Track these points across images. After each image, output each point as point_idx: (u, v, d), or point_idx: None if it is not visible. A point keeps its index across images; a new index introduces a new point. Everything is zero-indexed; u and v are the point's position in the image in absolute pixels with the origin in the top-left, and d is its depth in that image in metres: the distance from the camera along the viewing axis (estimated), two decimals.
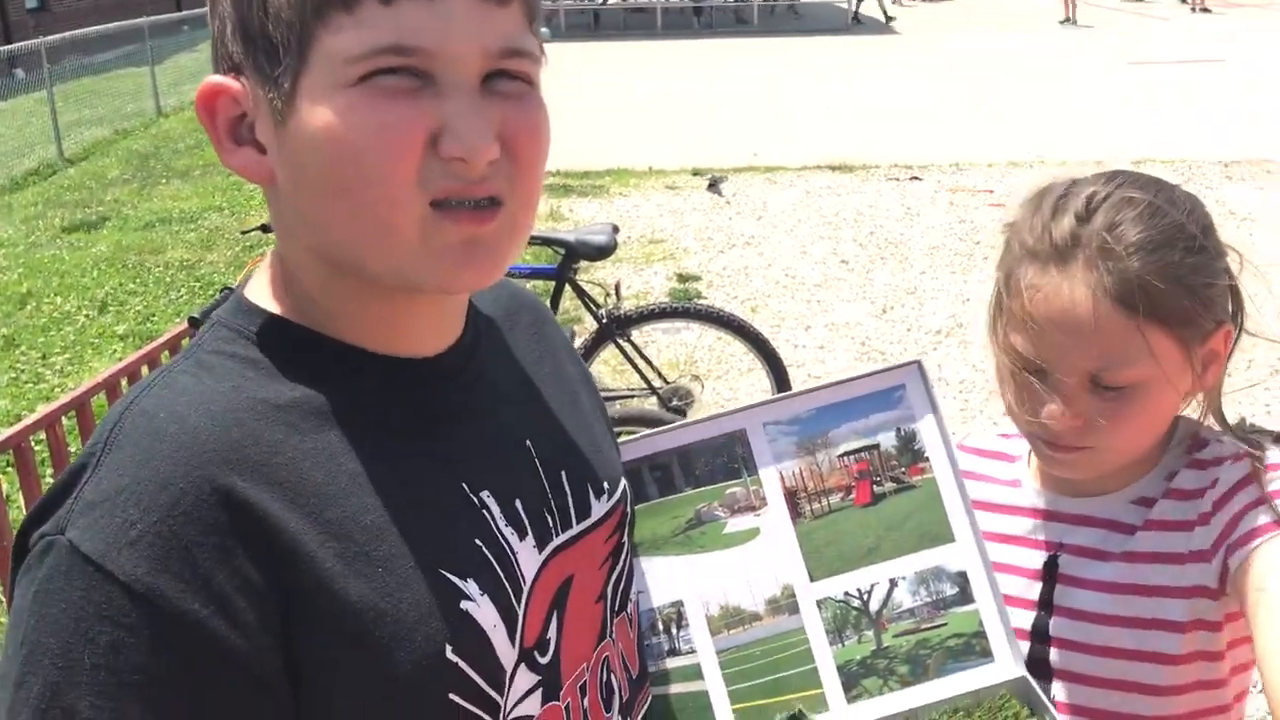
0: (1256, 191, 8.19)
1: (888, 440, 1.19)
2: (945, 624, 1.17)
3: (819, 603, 1.16)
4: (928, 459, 1.19)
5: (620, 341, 4.59)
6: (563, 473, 0.96)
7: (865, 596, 1.17)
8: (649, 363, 4.66)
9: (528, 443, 0.94)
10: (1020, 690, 1.14)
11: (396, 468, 0.84)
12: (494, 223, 0.81)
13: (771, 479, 1.19)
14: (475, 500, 0.87)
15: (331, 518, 0.79)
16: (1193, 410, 1.25)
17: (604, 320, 4.56)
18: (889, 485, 1.19)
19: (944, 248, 7.36)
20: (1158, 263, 1.12)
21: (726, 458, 1.19)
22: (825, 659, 1.16)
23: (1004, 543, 1.30)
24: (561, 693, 0.91)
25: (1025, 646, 1.22)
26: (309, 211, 0.82)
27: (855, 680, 1.15)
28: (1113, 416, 1.15)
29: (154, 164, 11.27)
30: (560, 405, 1.01)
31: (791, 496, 1.18)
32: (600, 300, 4.64)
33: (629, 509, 1.06)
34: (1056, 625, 1.25)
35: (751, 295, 6.60)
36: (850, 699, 1.15)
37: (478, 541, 0.86)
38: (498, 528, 0.87)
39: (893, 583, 1.17)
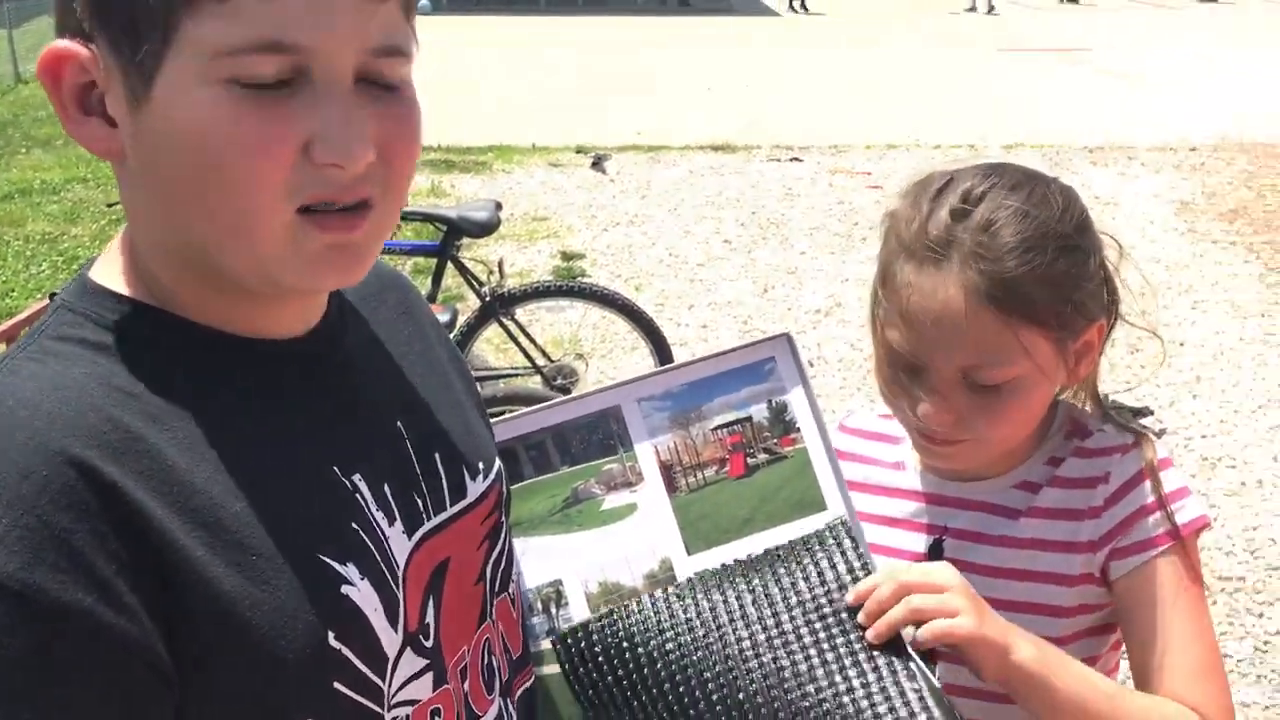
0: (1119, 177, 8.52)
1: (760, 412, 1.20)
2: None
3: (696, 575, 1.16)
4: (799, 429, 1.20)
5: (504, 320, 4.56)
6: (435, 454, 0.94)
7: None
8: (533, 341, 4.63)
9: (398, 424, 0.92)
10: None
11: (264, 453, 0.80)
12: (363, 226, 0.79)
13: (647, 454, 1.19)
14: (347, 484, 0.84)
15: (198, 506, 0.75)
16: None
17: (487, 298, 4.51)
18: (762, 456, 1.20)
19: (824, 228, 7.48)
20: (1031, 264, 1.14)
21: (602, 434, 1.19)
22: None
23: (889, 525, 1.31)
24: (445, 676, 0.90)
25: (910, 631, 1.24)
26: (163, 202, 0.78)
27: None
28: (987, 412, 1.18)
29: (13, 133, 10.74)
30: (431, 385, 0.99)
31: (667, 471, 1.19)
32: (483, 278, 4.59)
33: (505, 489, 1.04)
34: None
35: (635, 274, 6.61)
36: None
37: (354, 526, 0.83)
38: (370, 511, 0.85)
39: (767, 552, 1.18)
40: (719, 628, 1.10)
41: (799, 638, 1.10)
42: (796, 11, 22.42)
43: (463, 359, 1.12)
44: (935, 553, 1.27)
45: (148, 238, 0.81)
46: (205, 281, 0.80)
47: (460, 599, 0.93)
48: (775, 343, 1.23)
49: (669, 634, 1.10)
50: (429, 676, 0.87)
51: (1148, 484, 1.20)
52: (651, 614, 1.11)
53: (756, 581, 1.13)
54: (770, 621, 1.11)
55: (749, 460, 1.19)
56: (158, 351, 0.80)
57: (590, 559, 1.16)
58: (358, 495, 0.85)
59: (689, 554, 1.17)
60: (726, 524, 1.18)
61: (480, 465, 0.99)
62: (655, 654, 1.10)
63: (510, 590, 1.04)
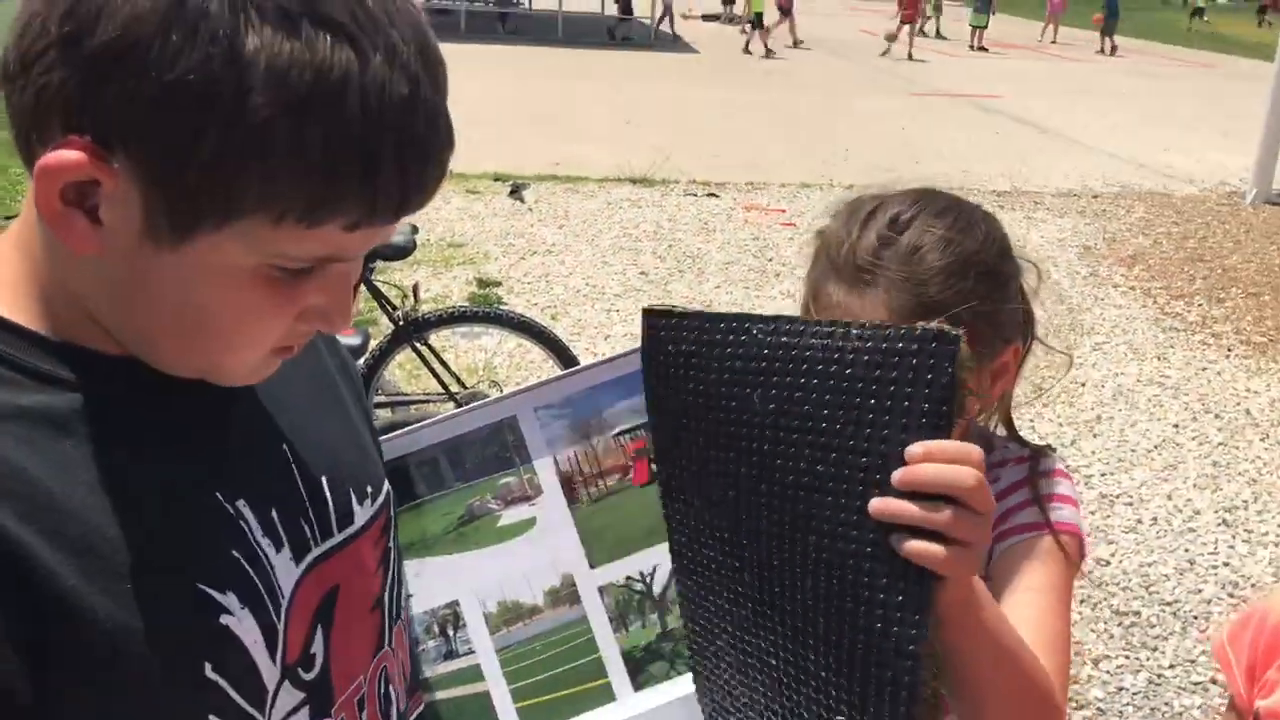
0: (1026, 220, 8.77)
1: None
2: None
3: (601, 589, 1.14)
4: None
5: (417, 345, 4.50)
6: (323, 478, 0.91)
7: (648, 579, 1.14)
8: (446, 367, 4.59)
9: (284, 447, 0.89)
10: None
11: (143, 477, 0.77)
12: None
13: (545, 466, 1.14)
14: (230, 510, 0.81)
15: (71, 533, 0.71)
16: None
17: (400, 322, 4.46)
18: None
19: (738, 263, 7.55)
20: (954, 289, 1.17)
21: (497, 448, 1.14)
22: (610, 648, 1.13)
23: None
24: (334, 709, 0.87)
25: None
26: (125, 303, 0.75)
27: (642, 667, 1.13)
28: None
29: None
30: (320, 407, 0.96)
31: (567, 482, 1.14)
32: (397, 302, 4.54)
33: (392, 512, 1.01)
34: None
35: (552, 302, 6.60)
36: (637, 686, 1.12)
37: (235, 553, 0.80)
38: (254, 538, 0.82)
39: None
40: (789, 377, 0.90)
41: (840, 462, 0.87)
42: (673, 37, 22.83)
43: (356, 374, 1.08)
44: None
45: (63, 285, 0.76)
46: (109, 335, 0.78)
47: (354, 627, 0.91)
48: None
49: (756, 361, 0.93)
50: (305, 711, 0.84)
51: (1029, 487, 1.24)
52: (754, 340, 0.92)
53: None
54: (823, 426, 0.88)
55: (653, 467, 1.14)
56: (33, 373, 0.75)
57: (488, 578, 1.12)
58: (241, 521, 0.81)
59: (592, 567, 1.14)
60: (631, 534, 1.14)
61: (369, 489, 0.96)
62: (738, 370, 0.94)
63: (403, 616, 1.01)
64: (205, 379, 0.79)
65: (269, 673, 0.81)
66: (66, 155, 0.68)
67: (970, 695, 0.98)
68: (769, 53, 21.59)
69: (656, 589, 1.14)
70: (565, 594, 1.13)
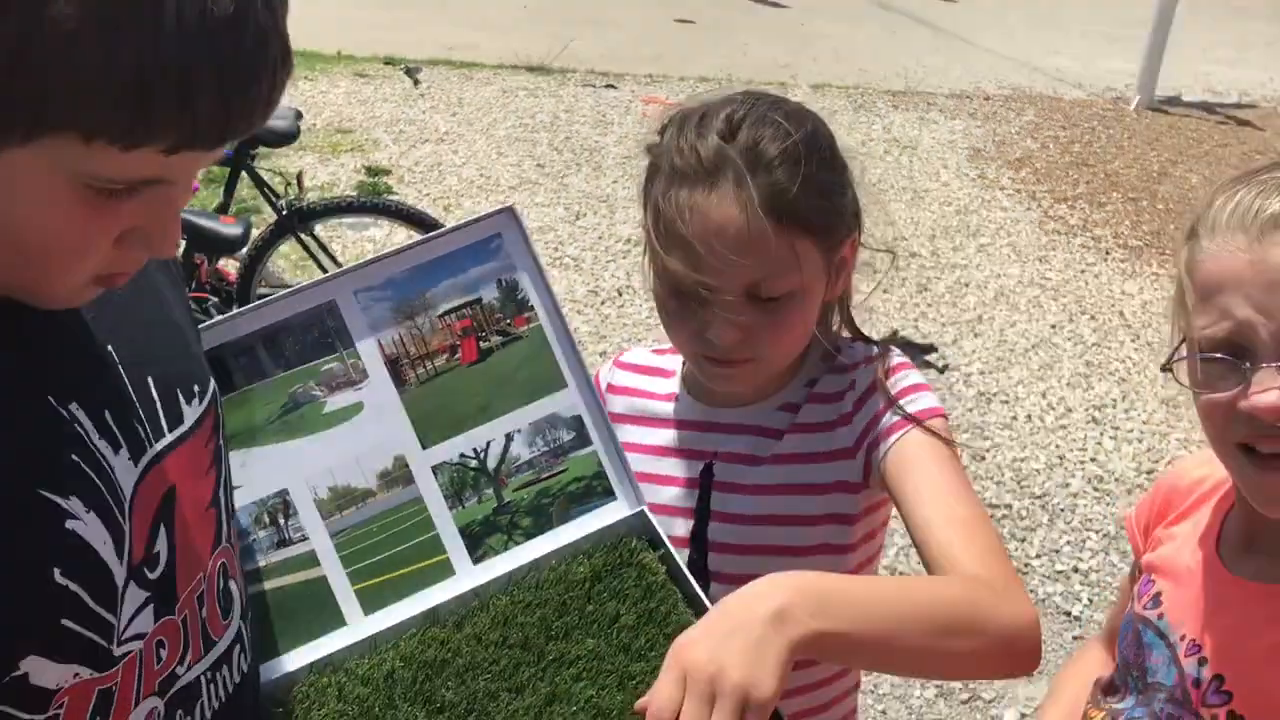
0: (919, 121, 8.84)
1: (489, 293, 1.16)
2: (565, 469, 1.16)
3: (434, 469, 1.14)
4: (532, 308, 1.16)
5: (302, 235, 4.39)
6: (149, 379, 0.89)
7: (482, 455, 1.15)
8: (333, 259, 4.49)
9: (109, 349, 0.86)
10: (639, 526, 1.16)
11: None
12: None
13: (370, 349, 1.13)
14: (64, 413, 0.79)
15: None
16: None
17: (284, 212, 4.33)
18: (495, 339, 1.16)
19: (637, 158, 7.46)
20: (799, 174, 1.20)
21: (318, 333, 1.13)
22: (446, 524, 1.13)
23: (662, 455, 1.35)
24: (177, 606, 0.87)
25: (685, 555, 1.27)
26: None
27: (479, 541, 1.13)
28: (771, 327, 1.23)
29: None
30: (142, 306, 0.93)
31: (394, 365, 1.13)
32: (281, 190, 4.40)
33: (220, 410, 1.00)
34: (713, 530, 1.31)
35: (444, 193, 6.47)
36: (476, 560, 1.13)
37: (74, 457, 0.78)
38: (91, 441, 0.80)
39: (509, 437, 1.15)
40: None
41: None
42: None
43: (178, 273, 1.04)
44: (706, 477, 1.32)
45: None
46: None
47: (192, 525, 0.90)
48: (500, 218, 1.17)
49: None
50: (150, 609, 0.84)
51: (888, 381, 1.28)
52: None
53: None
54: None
55: (481, 344, 1.15)
56: None
57: (317, 464, 1.11)
58: (76, 425, 0.79)
59: (424, 447, 1.13)
60: (463, 413, 1.14)
61: (195, 389, 0.95)
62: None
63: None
64: (22, 300, 0.76)
65: (118, 573, 0.80)
66: None
67: (916, 670, 1.01)
68: None
69: (491, 464, 1.15)
70: (398, 475, 1.13)
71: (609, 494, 1.16)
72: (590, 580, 1.10)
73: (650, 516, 1.16)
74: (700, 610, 1.07)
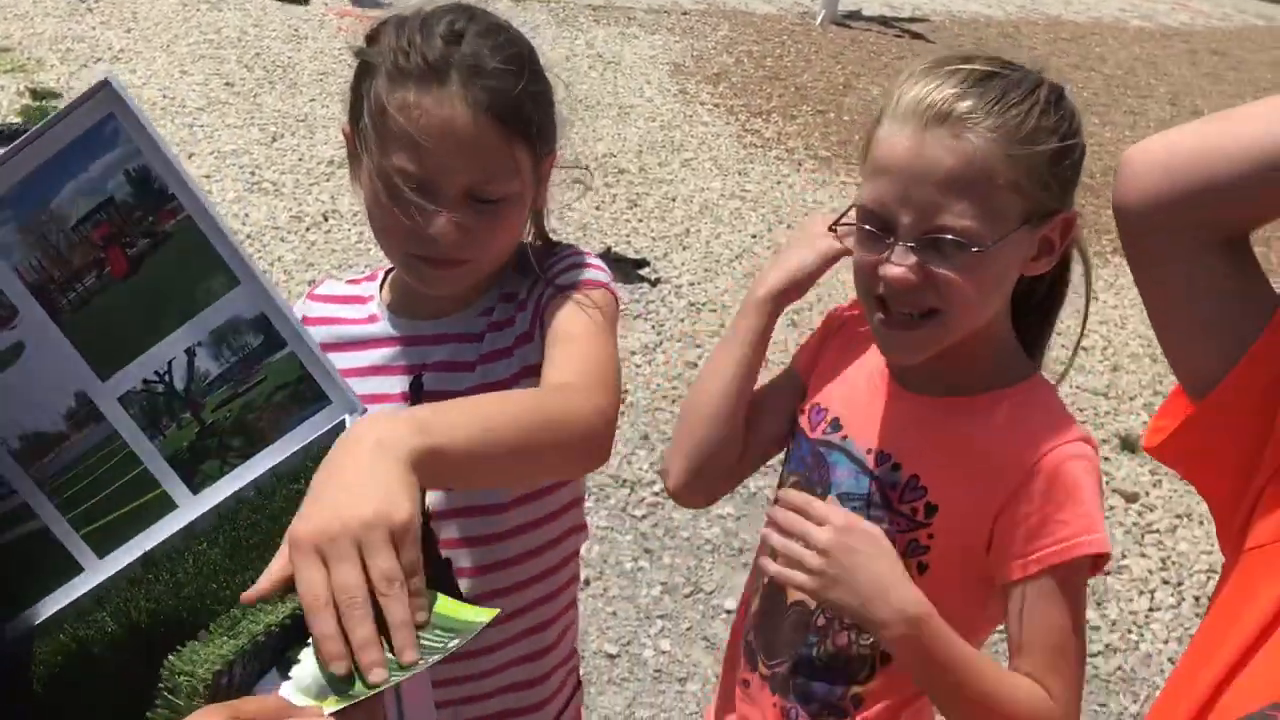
0: (620, 36, 8.93)
1: (120, 189, 1.00)
2: (264, 378, 1.05)
3: (121, 401, 1.04)
4: (174, 197, 1.00)
5: None
6: None
7: (167, 377, 1.04)
8: None
9: None
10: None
11: None
12: None
13: (9, 281, 0.99)
14: None
15: None
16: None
17: None
18: (143, 243, 1.01)
19: (334, 74, 7.17)
20: (522, 83, 1.26)
21: None
22: (152, 457, 1.05)
23: (369, 375, 1.37)
24: None
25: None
26: None
27: (193, 468, 1.05)
28: (489, 229, 1.28)
29: None
30: None
31: (42, 293, 1.00)
32: None
33: None
34: None
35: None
36: (195, 489, 1.06)
37: None
38: None
39: (190, 353, 1.04)
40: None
41: None
42: None
43: None
44: (416, 389, 1.35)
45: None
46: None
47: None
48: (104, 96, 0.98)
49: None
50: None
51: (556, 266, 1.38)
52: None
53: None
54: None
55: (129, 251, 1.01)
56: None
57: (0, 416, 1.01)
58: None
59: (103, 380, 1.03)
60: (132, 334, 1.02)
61: None
62: None
63: None
64: None
65: None
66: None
67: (520, 470, 1.09)
68: None
69: (179, 385, 1.04)
70: (85, 413, 1.03)
71: (321, 398, 1.06)
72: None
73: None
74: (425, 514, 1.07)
